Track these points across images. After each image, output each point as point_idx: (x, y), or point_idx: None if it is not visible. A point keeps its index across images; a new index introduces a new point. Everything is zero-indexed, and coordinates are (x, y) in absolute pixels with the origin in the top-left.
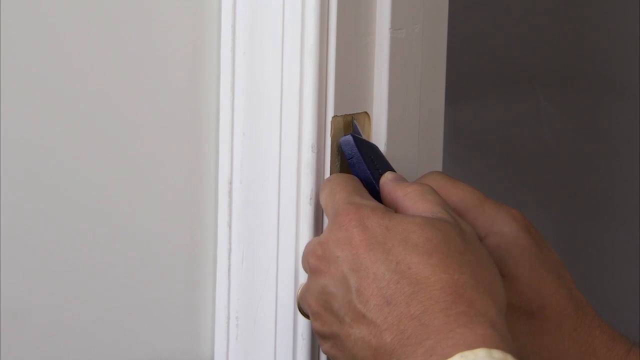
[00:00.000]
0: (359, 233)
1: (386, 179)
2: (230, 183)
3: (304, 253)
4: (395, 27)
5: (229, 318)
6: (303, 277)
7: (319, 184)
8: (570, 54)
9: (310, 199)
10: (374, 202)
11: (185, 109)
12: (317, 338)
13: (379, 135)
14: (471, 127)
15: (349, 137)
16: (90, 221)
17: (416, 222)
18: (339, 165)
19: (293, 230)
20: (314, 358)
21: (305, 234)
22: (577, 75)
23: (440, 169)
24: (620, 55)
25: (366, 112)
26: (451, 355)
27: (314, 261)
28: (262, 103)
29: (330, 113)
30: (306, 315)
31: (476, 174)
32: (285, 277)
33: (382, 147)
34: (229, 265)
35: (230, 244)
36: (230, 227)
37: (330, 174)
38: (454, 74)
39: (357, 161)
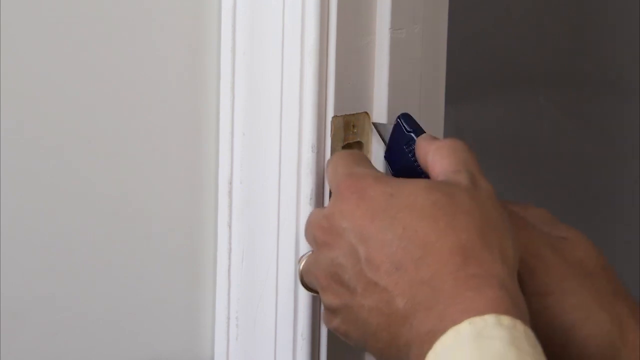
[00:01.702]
0: (363, 203)
1: (423, 136)
2: (230, 183)
3: (307, 225)
4: (395, 27)
5: (229, 318)
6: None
7: (319, 184)
8: (570, 54)
9: (310, 199)
10: (376, 171)
11: (185, 109)
12: (325, 314)
13: (379, 135)
14: (471, 127)
15: (407, 114)
16: (90, 221)
17: (420, 187)
18: None
19: (293, 230)
20: (313, 358)
21: None
22: (578, 75)
23: None
24: (620, 55)
25: (366, 112)
26: (460, 321)
27: (320, 234)
28: (262, 103)
29: (330, 113)
30: (310, 289)
31: None
32: (285, 277)
33: (381, 147)
34: (229, 265)
35: (230, 244)
36: (230, 227)
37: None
38: (454, 74)
39: (417, 134)
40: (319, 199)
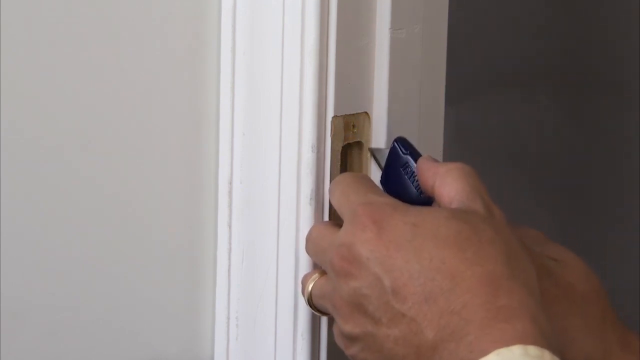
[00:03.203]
0: (385, 233)
1: (425, 157)
2: (230, 183)
3: (318, 249)
4: (395, 27)
5: (229, 318)
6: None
7: (319, 184)
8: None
9: (311, 199)
10: (392, 200)
11: (185, 109)
12: (343, 341)
13: (379, 136)
14: (471, 127)
15: (403, 137)
16: (90, 221)
17: (443, 216)
18: (339, 166)
19: (293, 230)
20: (314, 358)
21: (305, 234)
22: (577, 75)
23: None
24: (620, 55)
25: (366, 112)
26: (489, 352)
27: (341, 263)
28: (262, 103)
29: (330, 113)
30: (320, 312)
31: None
32: (286, 277)
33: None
34: (229, 265)
35: (230, 244)
36: (230, 227)
37: (331, 174)
38: (454, 74)
39: (414, 157)
40: (318, 199)
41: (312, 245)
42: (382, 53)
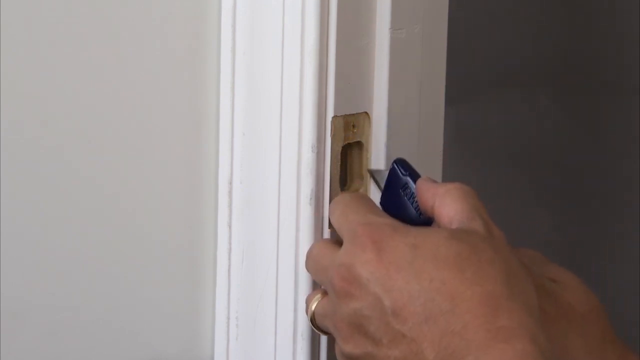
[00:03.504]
0: (385, 254)
1: (424, 178)
2: (231, 183)
3: (319, 267)
4: (395, 27)
5: (229, 318)
6: (303, 278)
7: (319, 184)
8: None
9: (311, 199)
10: (392, 220)
11: (185, 109)
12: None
13: (379, 136)
14: (471, 127)
15: (402, 159)
16: (90, 221)
17: (443, 237)
18: (339, 166)
19: (293, 230)
20: (313, 358)
21: (306, 234)
22: (577, 75)
23: (440, 169)
24: (620, 55)
25: (366, 112)
26: None
27: (341, 283)
28: (262, 103)
29: (330, 113)
30: (322, 331)
31: (476, 174)
32: (286, 277)
33: (382, 148)
34: (229, 265)
35: (230, 244)
36: (230, 227)
37: (331, 174)
38: (453, 73)
39: (413, 178)
40: (318, 199)
41: (313, 263)
42: (382, 53)
